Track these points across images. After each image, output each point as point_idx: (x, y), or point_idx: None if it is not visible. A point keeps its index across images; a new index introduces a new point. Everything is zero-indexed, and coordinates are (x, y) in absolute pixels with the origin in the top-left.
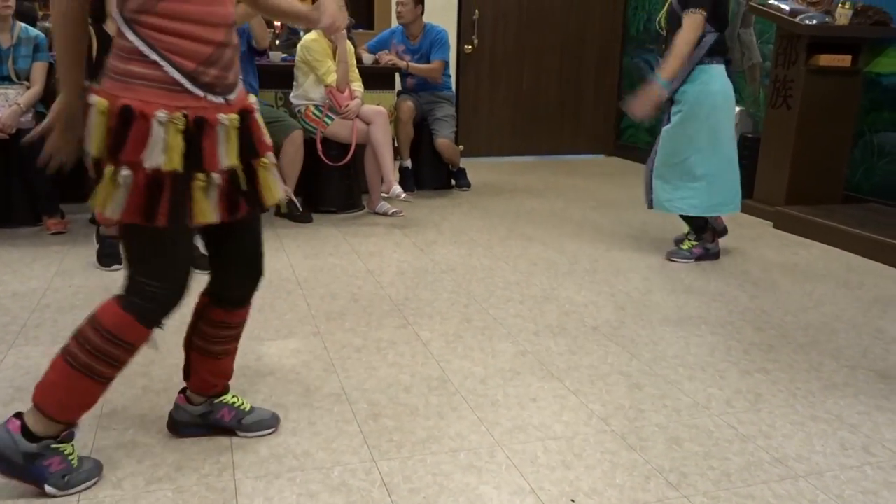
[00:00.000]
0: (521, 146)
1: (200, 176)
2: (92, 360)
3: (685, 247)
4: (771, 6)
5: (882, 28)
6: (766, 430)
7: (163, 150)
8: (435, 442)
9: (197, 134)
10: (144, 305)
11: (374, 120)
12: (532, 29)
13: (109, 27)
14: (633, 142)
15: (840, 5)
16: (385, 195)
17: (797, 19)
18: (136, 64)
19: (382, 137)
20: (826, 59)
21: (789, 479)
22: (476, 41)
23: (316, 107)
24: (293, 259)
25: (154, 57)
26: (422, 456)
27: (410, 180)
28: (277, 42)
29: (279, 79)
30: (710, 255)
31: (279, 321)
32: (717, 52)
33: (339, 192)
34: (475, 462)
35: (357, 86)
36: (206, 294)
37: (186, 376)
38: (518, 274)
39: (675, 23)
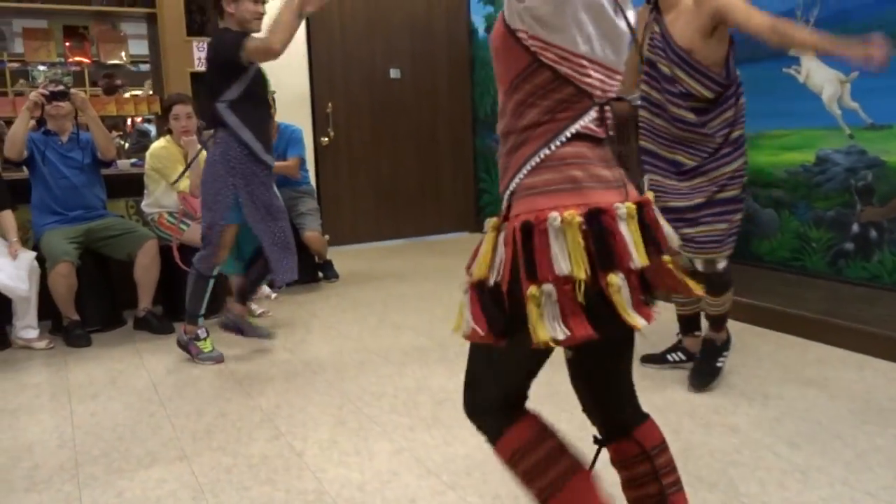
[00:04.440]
0: (385, 231)
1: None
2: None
3: None
4: None
5: None
6: None
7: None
8: None
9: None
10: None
11: None
12: (386, 117)
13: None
14: (493, 216)
15: None
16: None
17: None
18: (575, 167)
19: None
20: None
21: None
22: (332, 133)
23: (170, 213)
24: (154, 376)
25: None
26: None
27: None
28: (126, 146)
29: (129, 187)
30: None
31: (141, 448)
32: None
33: None
34: None
35: None
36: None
37: None
38: (390, 366)
39: None
